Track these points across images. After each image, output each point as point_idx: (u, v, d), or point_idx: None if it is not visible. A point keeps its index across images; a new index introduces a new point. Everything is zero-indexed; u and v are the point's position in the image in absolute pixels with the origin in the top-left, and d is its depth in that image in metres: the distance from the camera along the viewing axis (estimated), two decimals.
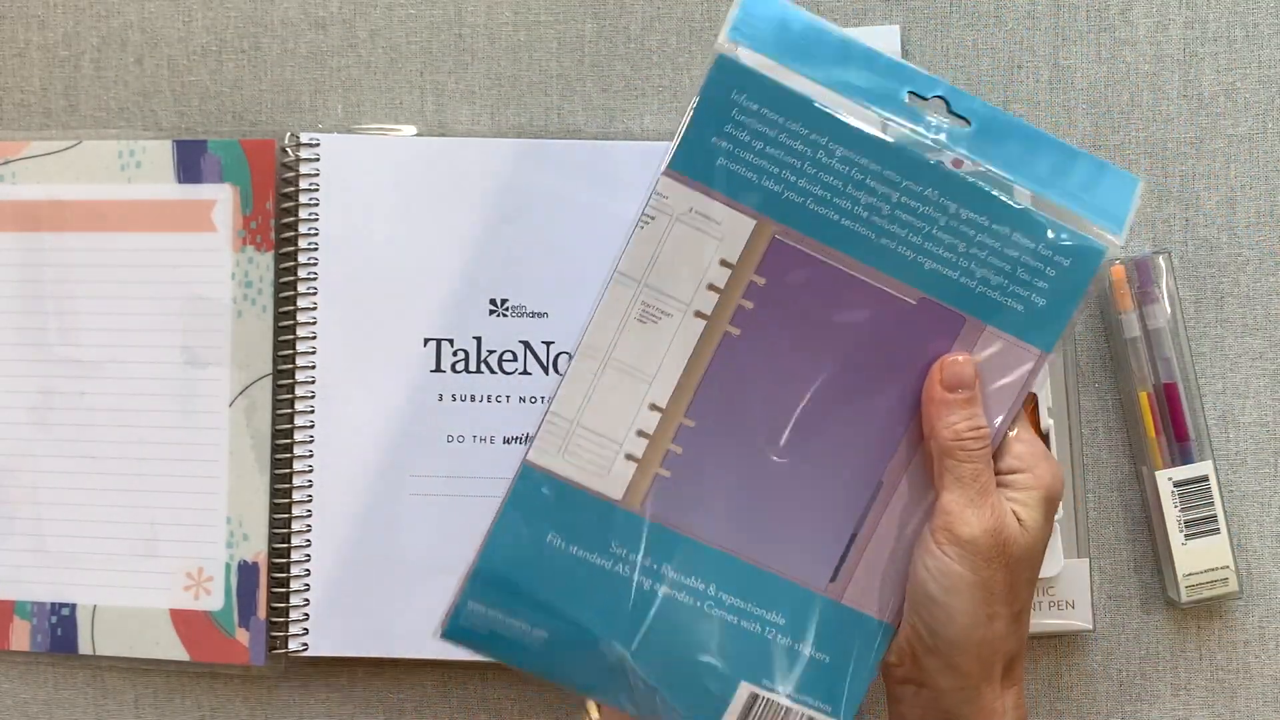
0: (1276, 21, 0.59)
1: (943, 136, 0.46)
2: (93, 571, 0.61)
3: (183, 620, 0.60)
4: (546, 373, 0.59)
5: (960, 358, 0.46)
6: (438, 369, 0.59)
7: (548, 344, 0.59)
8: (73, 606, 0.61)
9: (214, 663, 0.60)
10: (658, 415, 0.47)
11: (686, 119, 0.46)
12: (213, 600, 0.60)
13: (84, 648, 0.61)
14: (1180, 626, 0.59)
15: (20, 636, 0.61)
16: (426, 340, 0.59)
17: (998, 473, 0.47)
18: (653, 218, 0.46)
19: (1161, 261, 0.58)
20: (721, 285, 0.46)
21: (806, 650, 0.48)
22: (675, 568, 0.47)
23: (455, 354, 0.59)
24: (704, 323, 0.47)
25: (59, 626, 0.61)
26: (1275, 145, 0.59)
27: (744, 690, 0.48)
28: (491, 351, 0.59)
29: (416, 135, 0.61)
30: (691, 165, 0.46)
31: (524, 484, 0.47)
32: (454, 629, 0.48)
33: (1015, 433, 0.47)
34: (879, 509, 0.48)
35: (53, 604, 0.61)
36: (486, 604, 0.47)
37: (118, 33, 0.63)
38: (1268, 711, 0.59)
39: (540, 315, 0.59)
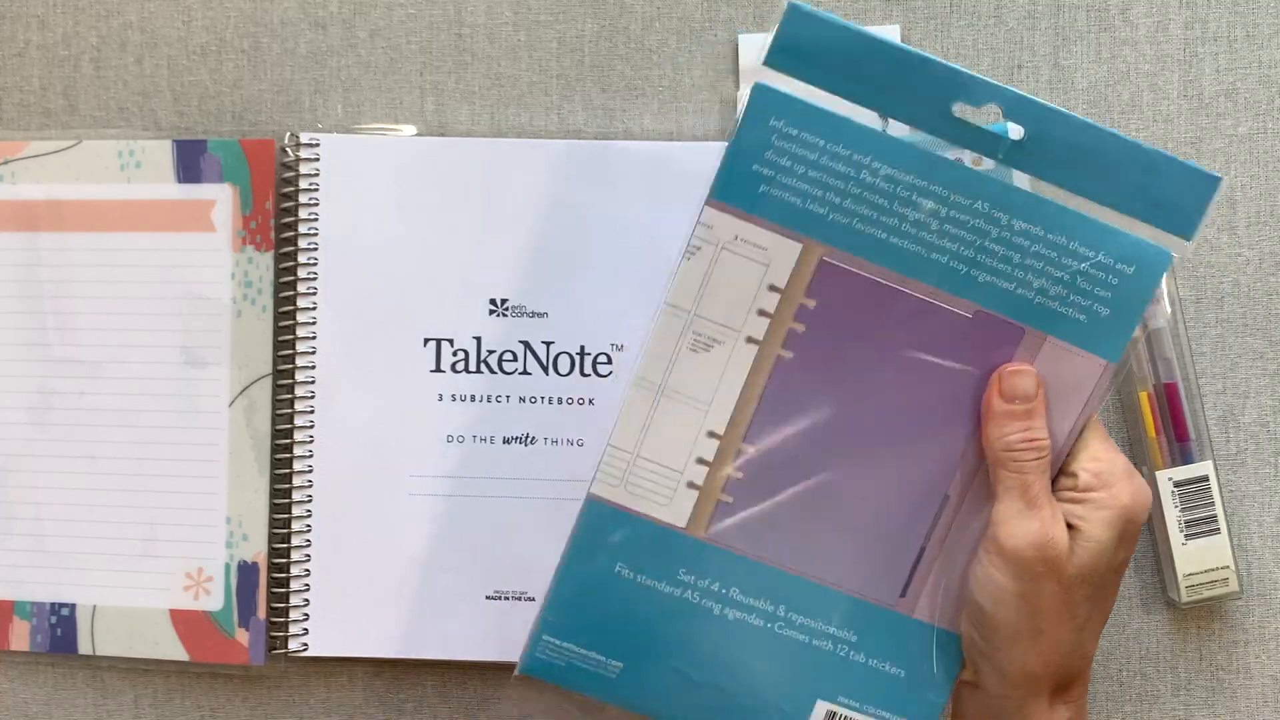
0: (1277, 21, 0.59)
1: (994, 147, 0.44)
2: (92, 571, 0.61)
3: (182, 620, 0.60)
4: (546, 373, 0.59)
5: (1020, 368, 0.45)
6: (437, 369, 0.59)
7: (548, 344, 0.59)
8: (72, 606, 0.61)
9: (214, 663, 0.60)
10: (716, 442, 0.47)
11: (726, 148, 0.45)
12: (212, 600, 0.60)
13: (84, 648, 0.61)
14: (1180, 626, 0.59)
15: (20, 636, 0.61)
16: (426, 340, 0.59)
17: (1072, 489, 0.46)
18: (698, 248, 0.46)
19: None
20: (772, 310, 0.46)
21: (881, 666, 0.48)
22: (744, 591, 0.47)
23: (455, 354, 0.59)
24: (756, 348, 0.46)
25: (59, 626, 0.61)
26: (1275, 145, 0.59)
27: (820, 708, 0.48)
28: (491, 351, 0.59)
29: (416, 135, 0.60)
30: (734, 194, 0.45)
31: (589, 517, 0.47)
32: (532, 663, 0.49)
33: (1092, 449, 0.46)
34: (945, 523, 0.47)
35: (52, 604, 0.61)
36: (561, 638, 0.48)
37: (117, 33, 0.63)
38: (1267, 711, 0.59)
39: (540, 315, 0.59)
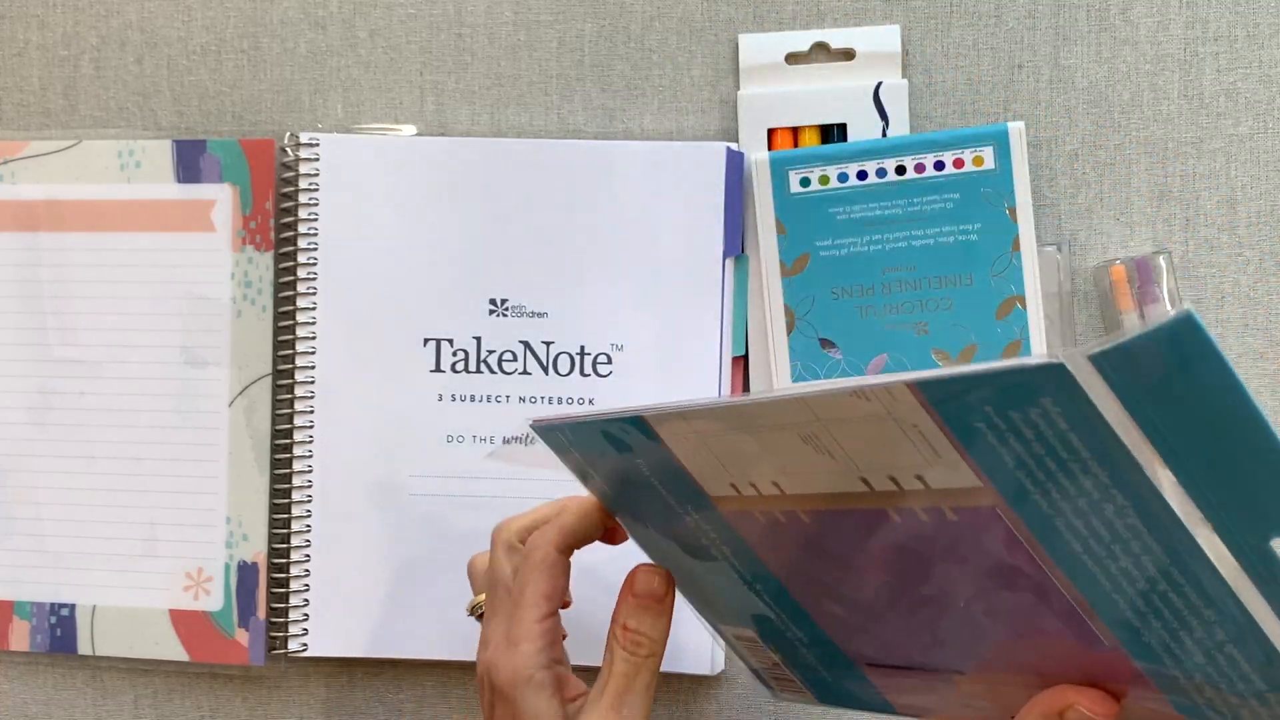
0: (1277, 21, 0.59)
1: None
2: (92, 571, 0.61)
3: (182, 620, 0.60)
4: (546, 373, 0.59)
5: (1095, 709, 0.38)
6: (437, 369, 0.59)
7: (547, 344, 0.59)
8: (72, 607, 0.61)
9: (214, 663, 0.60)
10: (775, 488, 0.41)
11: (968, 367, 0.35)
12: (212, 600, 0.60)
13: (83, 648, 0.61)
14: None
15: (20, 637, 0.61)
16: (426, 340, 0.59)
17: None
18: (869, 399, 0.37)
19: (1162, 261, 0.58)
20: (905, 487, 0.38)
21: (817, 666, 0.48)
22: (739, 562, 0.46)
23: (455, 354, 0.59)
24: (865, 488, 0.39)
25: (58, 627, 0.61)
26: (1275, 145, 0.59)
27: (749, 632, 0.48)
28: (491, 351, 0.59)
29: (416, 135, 0.60)
30: (943, 402, 0.35)
31: (630, 427, 0.43)
32: (541, 432, 0.47)
33: None
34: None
35: (52, 604, 0.61)
36: (571, 446, 0.47)
37: (117, 33, 0.63)
38: None
39: (540, 315, 0.59)
